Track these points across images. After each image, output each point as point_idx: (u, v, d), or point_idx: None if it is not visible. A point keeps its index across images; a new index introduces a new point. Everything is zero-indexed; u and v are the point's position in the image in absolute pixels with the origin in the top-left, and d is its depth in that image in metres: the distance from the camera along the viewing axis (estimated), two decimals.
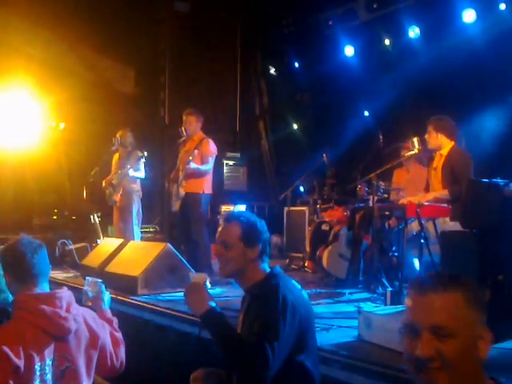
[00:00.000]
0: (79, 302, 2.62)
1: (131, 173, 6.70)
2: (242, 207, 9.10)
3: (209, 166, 6.07)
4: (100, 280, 2.86)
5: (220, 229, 2.55)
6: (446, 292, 1.31)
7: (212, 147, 6.12)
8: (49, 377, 2.27)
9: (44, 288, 2.41)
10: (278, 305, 2.25)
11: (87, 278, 2.92)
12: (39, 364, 2.23)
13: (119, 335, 2.69)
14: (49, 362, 2.27)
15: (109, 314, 2.80)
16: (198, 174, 6.00)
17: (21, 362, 2.16)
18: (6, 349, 2.16)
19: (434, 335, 1.29)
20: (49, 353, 2.28)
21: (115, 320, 2.78)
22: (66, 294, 2.39)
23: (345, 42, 8.73)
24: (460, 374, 1.29)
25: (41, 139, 8.28)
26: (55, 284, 5.21)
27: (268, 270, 2.50)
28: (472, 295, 1.33)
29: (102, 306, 2.79)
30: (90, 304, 2.78)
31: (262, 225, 2.54)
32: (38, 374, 2.22)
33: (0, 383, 2.11)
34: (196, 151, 5.87)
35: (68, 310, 2.34)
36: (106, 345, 2.53)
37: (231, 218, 2.55)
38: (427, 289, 1.33)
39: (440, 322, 1.29)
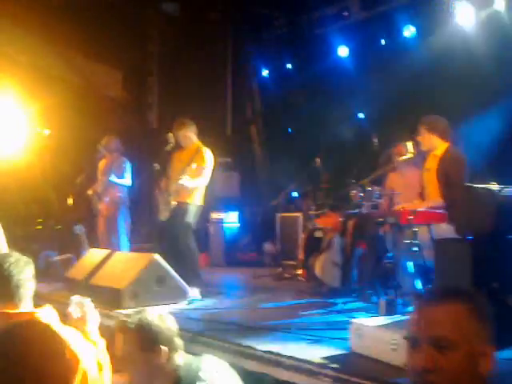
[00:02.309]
0: (64, 317, 2.50)
1: (113, 178, 6.49)
2: (233, 214, 8.92)
3: (203, 179, 5.76)
4: (88, 299, 2.70)
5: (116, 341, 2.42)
6: (447, 304, 1.31)
7: (208, 158, 5.80)
8: None
9: (26, 306, 2.33)
10: None
11: (72, 297, 2.75)
12: None
13: (105, 359, 2.53)
14: None
15: (95, 335, 2.63)
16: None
17: None
18: None
19: (433, 347, 1.28)
20: None
21: (102, 342, 2.62)
22: (46, 314, 2.30)
23: (338, 42, 8.58)
24: None
25: (26, 147, 8.08)
26: (38, 298, 5.00)
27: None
28: (475, 308, 1.32)
29: (88, 326, 2.62)
30: (75, 325, 2.60)
31: (162, 321, 2.37)
32: None
33: None
34: (194, 165, 5.59)
35: None
36: (88, 369, 2.34)
37: (125, 327, 2.38)
38: (430, 301, 1.35)
39: (440, 333, 1.28)
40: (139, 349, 2.34)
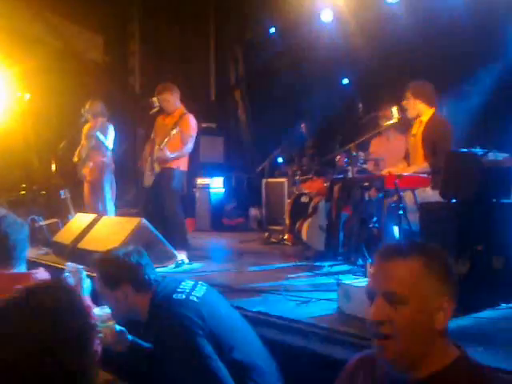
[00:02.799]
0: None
1: (99, 135, 6.40)
2: (219, 180, 8.92)
3: (188, 146, 5.72)
4: (81, 266, 2.77)
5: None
6: (404, 260, 1.31)
7: (193, 125, 5.74)
8: None
9: (21, 269, 2.35)
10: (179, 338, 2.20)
11: (68, 263, 2.84)
12: None
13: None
14: None
15: (88, 301, 2.66)
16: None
17: None
18: None
19: (385, 300, 1.30)
20: None
21: (93, 309, 2.64)
22: (42, 275, 2.32)
23: (322, 6, 8.42)
24: (411, 343, 1.29)
25: (6, 112, 7.91)
26: (27, 262, 5.02)
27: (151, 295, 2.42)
28: (434, 265, 1.32)
29: (81, 293, 2.67)
30: None
31: (127, 256, 2.44)
32: None
33: None
34: (176, 130, 5.55)
35: None
36: None
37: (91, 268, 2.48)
38: (388, 256, 1.34)
39: (392, 288, 1.30)
40: (105, 287, 2.44)
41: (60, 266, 4.54)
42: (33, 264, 3.51)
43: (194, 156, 6.16)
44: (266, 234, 7.12)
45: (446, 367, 1.30)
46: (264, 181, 7.82)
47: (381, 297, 1.32)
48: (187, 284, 2.50)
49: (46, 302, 1.10)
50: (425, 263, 1.31)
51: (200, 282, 2.59)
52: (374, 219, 5.17)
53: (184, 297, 2.38)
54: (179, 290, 2.42)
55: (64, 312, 1.10)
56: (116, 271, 2.42)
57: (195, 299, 2.38)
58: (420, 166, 4.66)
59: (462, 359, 1.33)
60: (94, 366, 1.13)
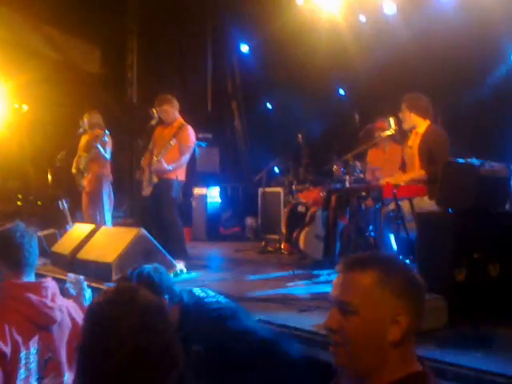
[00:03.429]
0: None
1: (99, 147, 6.43)
2: (215, 190, 8.95)
3: (185, 157, 5.80)
4: (82, 276, 2.80)
5: None
6: (361, 271, 1.34)
7: (191, 136, 5.84)
8: (33, 366, 2.25)
9: (30, 278, 2.41)
10: None
11: (69, 274, 2.89)
12: (24, 353, 2.22)
13: None
14: (33, 351, 2.26)
15: None
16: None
17: (7, 349, 2.15)
18: None
19: (339, 310, 1.35)
20: (33, 342, 2.26)
21: None
22: (51, 284, 2.38)
23: (319, 17, 8.49)
24: (360, 352, 1.32)
25: (3, 123, 7.93)
26: None
27: None
28: (390, 279, 1.33)
29: (82, 303, 2.72)
30: (71, 300, 2.69)
31: (158, 273, 2.56)
32: (23, 362, 2.21)
33: None
34: (173, 141, 5.62)
35: (53, 300, 2.34)
36: None
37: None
38: (348, 266, 1.38)
39: (345, 297, 1.34)
40: None
41: (59, 276, 4.55)
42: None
43: (190, 165, 6.21)
44: (263, 243, 7.14)
45: (398, 380, 1.31)
46: (260, 190, 7.86)
47: (335, 305, 1.36)
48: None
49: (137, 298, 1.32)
50: (380, 276, 1.33)
51: None
52: (371, 228, 5.24)
53: None
54: None
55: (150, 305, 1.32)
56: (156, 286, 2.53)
57: None
58: (417, 173, 4.71)
59: (419, 375, 1.34)
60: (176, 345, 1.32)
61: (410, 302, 1.33)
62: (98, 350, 1.22)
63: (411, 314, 1.33)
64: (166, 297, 2.51)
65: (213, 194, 8.87)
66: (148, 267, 2.58)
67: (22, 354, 2.21)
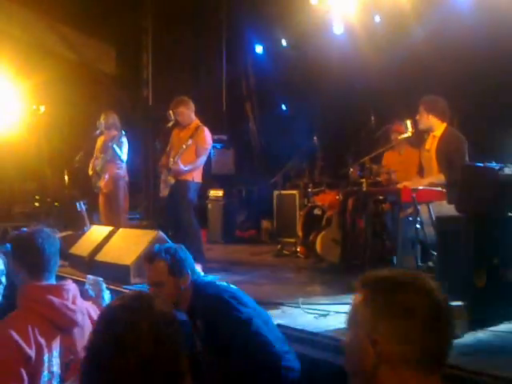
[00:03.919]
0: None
1: (116, 147, 6.46)
2: (230, 192, 8.90)
3: (201, 159, 5.83)
4: (101, 278, 2.83)
5: (147, 271, 2.75)
6: (358, 289, 1.38)
7: (208, 138, 5.86)
8: (55, 369, 2.25)
9: (51, 281, 2.41)
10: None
11: (88, 276, 2.90)
12: (47, 355, 2.22)
13: None
14: (56, 353, 2.26)
15: None
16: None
17: (32, 352, 2.16)
18: (17, 338, 2.14)
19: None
20: (56, 345, 2.27)
21: None
22: (72, 287, 2.39)
23: (334, 18, 8.47)
24: (353, 363, 1.38)
25: (20, 124, 7.99)
26: None
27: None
28: (374, 300, 1.33)
29: (101, 304, 2.73)
30: (90, 302, 2.71)
31: (183, 251, 2.75)
32: (46, 365, 2.21)
33: (12, 372, 2.09)
34: (188, 142, 5.65)
35: (74, 303, 2.35)
36: None
37: (153, 256, 2.71)
38: (356, 286, 1.41)
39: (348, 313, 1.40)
40: (168, 273, 2.66)
41: (77, 278, 4.58)
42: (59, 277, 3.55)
43: (205, 167, 6.22)
44: (279, 247, 7.12)
45: None
46: (276, 193, 7.84)
47: None
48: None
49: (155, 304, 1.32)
50: (367, 296, 1.34)
51: None
52: (388, 232, 5.21)
53: None
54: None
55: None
56: (183, 261, 2.73)
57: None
58: (436, 177, 4.67)
59: None
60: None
61: (393, 326, 1.29)
62: (106, 354, 1.21)
63: (392, 338, 1.29)
64: (189, 271, 2.71)
65: (228, 196, 8.85)
66: (175, 245, 2.83)
67: (45, 357, 2.21)
